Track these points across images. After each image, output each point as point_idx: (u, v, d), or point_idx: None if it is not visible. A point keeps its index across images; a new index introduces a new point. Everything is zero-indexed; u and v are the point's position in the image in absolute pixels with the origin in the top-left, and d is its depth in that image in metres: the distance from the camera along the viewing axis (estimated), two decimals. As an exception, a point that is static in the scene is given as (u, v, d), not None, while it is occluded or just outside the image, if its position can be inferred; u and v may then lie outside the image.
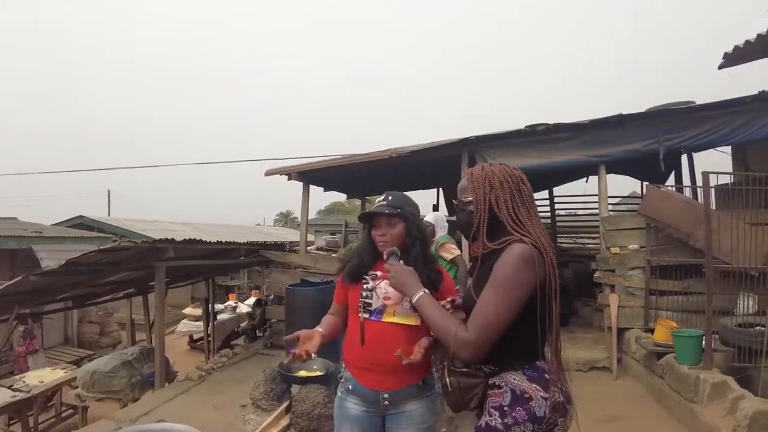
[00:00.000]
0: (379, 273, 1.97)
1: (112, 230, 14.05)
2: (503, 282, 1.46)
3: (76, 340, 10.94)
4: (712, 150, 6.72)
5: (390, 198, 2.00)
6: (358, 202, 12.94)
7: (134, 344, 7.94)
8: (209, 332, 9.42)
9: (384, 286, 1.94)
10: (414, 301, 1.65)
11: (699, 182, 5.23)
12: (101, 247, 5.12)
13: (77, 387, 6.29)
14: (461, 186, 1.69)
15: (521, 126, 6.37)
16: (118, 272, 6.12)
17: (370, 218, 2.02)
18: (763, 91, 5.69)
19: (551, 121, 6.25)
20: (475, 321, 1.48)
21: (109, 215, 21.97)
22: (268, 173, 7.82)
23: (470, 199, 1.62)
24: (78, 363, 8.29)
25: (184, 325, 11.41)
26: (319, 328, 2.03)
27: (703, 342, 4.24)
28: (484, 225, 1.58)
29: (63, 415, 6.67)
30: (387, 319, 1.93)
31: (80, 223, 14.62)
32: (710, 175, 4.44)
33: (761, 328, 4.27)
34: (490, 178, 1.59)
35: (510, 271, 1.46)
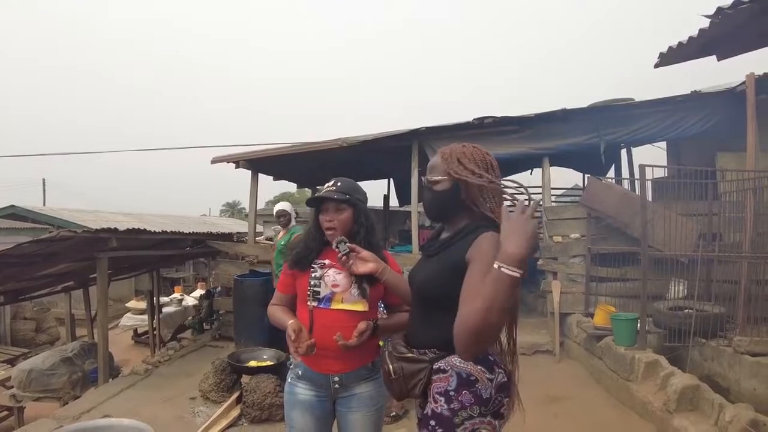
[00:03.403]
0: (327, 261, 1.97)
1: (48, 221, 13.24)
2: (490, 266, 1.38)
3: (10, 337, 10.35)
4: (649, 144, 7.13)
5: (339, 184, 1.99)
6: (308, 192, 12.84)
7: (74, 340, 7.61)
8: (154, 326, 9.14)
9: (332, 274, 1.94)
10: None
11: (637, 175, 5.51)
12: (38, 238, 4.87)
13: (12, 387, 5.99)
14: (432, 164, 1.64)
15: (469, 118, 6.51)
16: (56, 264, 5.85)
17: (318, 203, 2.01)
18: (695, 91, 6.06)
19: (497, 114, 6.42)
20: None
21: (44, 205, 20.74)
22: (215, 161, 7.62)
23: (439, 178, 1.59)
24: (12, 362, 7.88)
25: (128, 319, 11.01)
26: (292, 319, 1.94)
27: (638, 325, 4.51)
28: (451, 204, 1.57)
29: (-4, 416, 6.34)
30: (336, 306, 1.94)
31: (12, 213, 13.71)
32: (646, 168, 4.70)
33: (690, 311, 4.57)
34: (463, 157, 1.56)
35: (493, 256, 1.39)
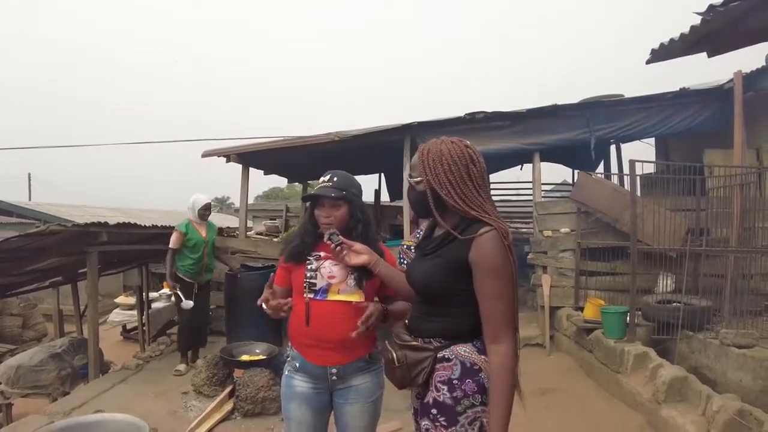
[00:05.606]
0: (322, 253, 1.98)
1: (34, 215, 13.10)
2: (499, 270, 1.44)
3: (-5, 334, 10.20)
4: (638, 141, 7.20)
5: (335, 179, 1.98)
6: (298, 187, 12.79)
7: (62, 336, 7.52)
8: (144, 321, 9.07)
9: (328, 266, 1.96)
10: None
11: (626, 170, 5.58)
12: (27, 232, 4.81)
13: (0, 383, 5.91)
14: (412, 163, 1.63)
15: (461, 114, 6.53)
16: (44, 259, 5.78)
17: (314, 199, 2.02)
18: (683, 88, 6.13)
19: (489, 110, 6.45)
20: (497, 322, 1.45)
21: (30, 200, 20.46)
22: (206, 155, 7.55)
23: (420, 179, 1.56)
24: (-2, 358, 7.77)
25: (117, 315, 10.88)
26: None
27: (628, 318, 4.58)
28: (433, 206, 1.53)
29: (-16, 413, 6.24)
30: (332, 297, 1.95)
31: (-3, 207, 13.59)
32: (636, 163, 4.75)
33: (678, 304, 4.65)
34: (439, 158, 1.52)
35: (500, 259, 1.44)
